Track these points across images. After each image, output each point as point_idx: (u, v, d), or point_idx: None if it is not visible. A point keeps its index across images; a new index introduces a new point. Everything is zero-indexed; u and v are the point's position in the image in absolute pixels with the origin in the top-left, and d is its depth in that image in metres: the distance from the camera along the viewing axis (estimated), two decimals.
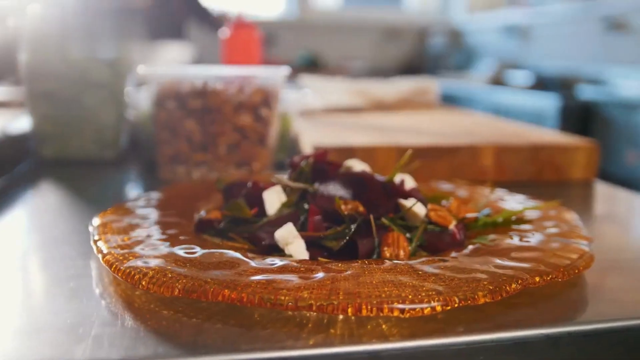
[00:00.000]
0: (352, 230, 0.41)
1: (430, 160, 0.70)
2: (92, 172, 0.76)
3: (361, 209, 0.44)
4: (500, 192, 0.57)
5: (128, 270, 0.36)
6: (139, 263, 0.37)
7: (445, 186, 0.60)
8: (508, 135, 0.79)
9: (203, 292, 0.34)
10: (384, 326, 0.34)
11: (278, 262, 0.37)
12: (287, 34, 3.95)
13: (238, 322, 0.34)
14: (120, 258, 0.38)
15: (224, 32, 1.01)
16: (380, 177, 0.49)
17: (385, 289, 0.33)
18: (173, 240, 0.42)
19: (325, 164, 0.49)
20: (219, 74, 0.67)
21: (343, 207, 0.44)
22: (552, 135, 0.80)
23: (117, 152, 0.81)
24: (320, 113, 1.05)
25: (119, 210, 0.51)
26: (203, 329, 0.33)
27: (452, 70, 3.81)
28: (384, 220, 0.43)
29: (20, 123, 0.79)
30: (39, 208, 0.63)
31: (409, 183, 0.52)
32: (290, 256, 0.41)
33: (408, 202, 0.45)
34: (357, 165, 0.54)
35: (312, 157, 0.49)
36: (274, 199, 0.47)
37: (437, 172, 0.71)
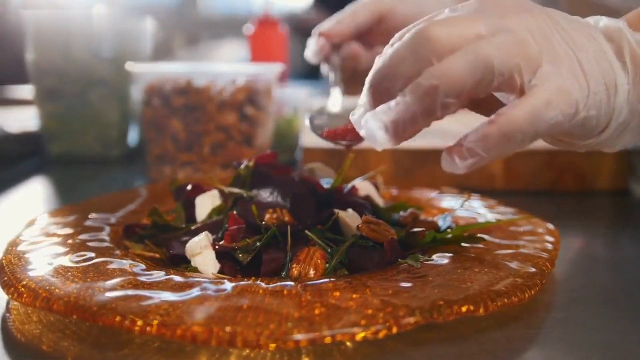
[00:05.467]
0: (262, 242, 0.37)
1: (431, 165, 0.64)
2: (92, 170, 0.76)
3: (287, 218, 0.40)
4: (481, 202, 0.50)
5: (6, 278, 0.34)
6: (19, 270, 0.35)
7: (429, 194, 0.54)
8: None
9: (61, 306, 0.31)
10: (251, 356, 0.30)
11: (161, 276, 0.34)
12: None
13: (95, 341, 0.31)
14: (14, 262, 0.37)
15: (249, 29, 0.99)
16: (325, 183, 0.44)
17: (250, 316, 0.29)
18: (80, 247, 0.39)
19: (269, 168, 0.45)
20: (203, 71, 0.65)
21: (268, 216, 0.40)
22: None
23: (123, 150, 0.81)
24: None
25: (70, 209, 0.49)
26: (58, 347, 0.31)
27: None
28: (308, 233, 0.39)
29: (33, 120, 0.81)
30: (16, 202, 0.63)
31: (368, 190, 0.46)
32: (195, 269, 0.37)
33: (343, 213, 0.40)
34: (320, 170, 0.50)
35: (253, 160, 0.45)
36: (206, 205, 0.44)
37: (440, 178, 0.64)
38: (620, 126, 0.33)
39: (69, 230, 0.43)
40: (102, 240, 0.42)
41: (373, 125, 0.30)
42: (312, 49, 0.53)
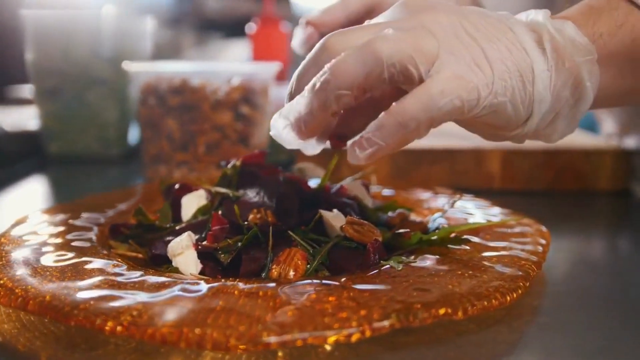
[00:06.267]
0: (243, 242, 0.37)
1: (427, 165, 0.63)
2: (91, 170, 0.76)
3: (270, 218, 0.39)
4: (474, 203, 0.49)
5: None
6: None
7: (422, 194, 0.53)
8: None
9: (35, 306, 0.31)
10: (226, 358, 0.29)
11: (137, 276, 0.34)
12: None
13: (71, 341, 0.31)
14: None
15: (251, 28, 0.99)
16: (313, 183, 0.44)
17: (222, 317, 0.29)
18: (63, 246, 0.39)
19: (257, 167, 0.45)
20: (199, 70, 0.65)
21: (252, 216, 0.40)
22: (572, 137, 0.68)
23: (123, 150, 0.81)
24: None
25: (61, 208, 0.50)
26: (34, 346, 0.31)
27: None
28: (290, 233, 0.38)
29: (33, 119, 0.81)
30: (14, 201, 0.63)
31: (357, 190, 0.46)
32: (177, 269, 0.37)
33: (327, 213, 0.40)
34: (310, 170, 0.50)
35: (241, 159, 0.45)
36: (192, 205, 0.44)
37: (437, 178, 0.63)
38: (548, 114, 0.33)
39: (56, 230, 0.43)
40: (87, 240, 0.41)
41: (280, 124, 0.33)
42: (299, 39, 0.52)
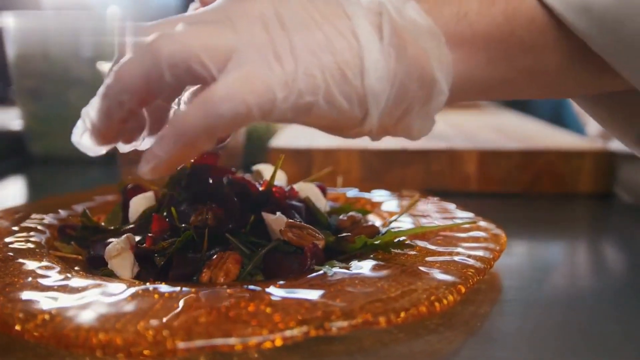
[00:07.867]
0: (176, 245, 0.36)
1: (401, 166, 0.62)
2: (72, 170, 0.76)
3: (211, 221, 0.39)
4: (436, 206, 0.48)
5: None
6: None
7: (386, 196, 0.52)
8: (504, 137, 0.67)
9: None
10: None
11: (62, 279, 0.33)
12: None
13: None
14: None
15: None
16: (259, 184, 0.43)
17: (132, 322, 0.28)
18: (3, 247, 0.39)
19: (207, 169, 0.44)
20: None
21: (193, 218, 0.39)
22: (552, 138, 0.66)
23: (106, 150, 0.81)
24: None
25: (24, 207, 0.50)
26: None
27: None
28: (228, 236, 0.37)
29: (16, 120, 0.82)
30: None
31: (310, 192, 0.45)
32: (112, 272, 0.37)
33: (268, 216, 0.39)
34: (268, 172, 0.49)
35: (192, 161, 0.44)
36: (139, 206, 0.43)
37: (411, 180, 0.62)
38: (393, 110, 0.29)
39: (9, 229, 0.43)
40: (34, 242, 0.41)
41: (79, 131, 0.31)
42: None
